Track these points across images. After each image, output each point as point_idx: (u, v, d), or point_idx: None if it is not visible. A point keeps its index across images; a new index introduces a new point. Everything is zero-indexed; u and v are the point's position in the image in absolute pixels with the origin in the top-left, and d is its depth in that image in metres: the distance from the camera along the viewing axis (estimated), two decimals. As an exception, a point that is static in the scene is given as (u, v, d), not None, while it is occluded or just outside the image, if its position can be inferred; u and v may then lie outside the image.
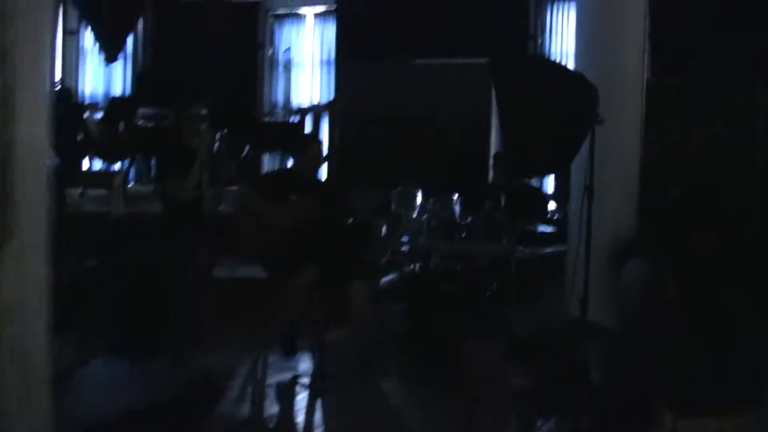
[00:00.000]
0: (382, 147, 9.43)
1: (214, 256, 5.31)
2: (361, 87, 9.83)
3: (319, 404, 5.17)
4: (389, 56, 9.89)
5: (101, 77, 11.70)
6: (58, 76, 11.03)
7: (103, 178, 7.81)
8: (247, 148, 9.79)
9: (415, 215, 7.05)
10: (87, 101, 11.28)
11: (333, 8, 11.27)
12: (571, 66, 6.65)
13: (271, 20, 11.91)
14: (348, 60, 10.64)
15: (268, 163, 11.35)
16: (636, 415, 2.83)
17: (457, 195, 7.11)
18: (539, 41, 10.29)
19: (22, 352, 2.81)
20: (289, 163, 6.25)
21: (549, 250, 6.60)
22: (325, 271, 5.41)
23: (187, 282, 4.96)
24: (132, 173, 10.68)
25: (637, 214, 6.11)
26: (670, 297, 2.92)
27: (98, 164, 9.88)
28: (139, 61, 11.79)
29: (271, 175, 6.49)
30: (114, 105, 8.79)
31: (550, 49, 10.14)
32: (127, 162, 9.54)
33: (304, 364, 5.80)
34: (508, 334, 5.72)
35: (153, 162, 8.96)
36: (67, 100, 7.89)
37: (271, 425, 4.85)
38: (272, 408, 5.06)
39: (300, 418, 4.99)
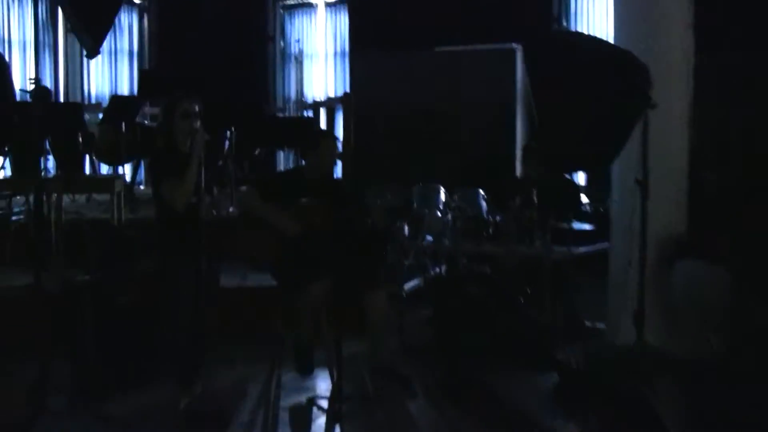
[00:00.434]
0: (401, 141, 8.96)
1: (216, 268, 4.77)
2: (378, 78, 9.33)
3: (338, 430, 4.63)
4: (406, 45, 9.38)
5: (107, 76, 11.28)
6: (62, 75, 10.69)
7: (105, 182, 7.31)
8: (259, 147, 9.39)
9: (438, 214, 6.52)
10: (93, 101, 10.83)
11: (345, -3, 10.81)
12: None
13: (281, 11, 11.44)
14: (362, 50, 10.16)
15: (284, 161, 10.94)
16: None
17: (482, 191, 6.64)
18: (564, 23, 9.78)
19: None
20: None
21: (586, 249, 6.03)
22: (341, 281, 4.89)
23: (187, 298, 4.43)
24: (142, 176, 10.28)
25: (686, 208, 5.50)
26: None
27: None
28: (146, 57, 11.35)
29: (279, 175, 5.95)
30: (115, 104, 8.29)
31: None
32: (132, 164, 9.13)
33: (322, 384, 5.27)
34: (552, 360, 5.12)
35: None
36: (43, 100, 7.40)
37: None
38: (286, 435, 4.57)
39: (317, 446, 4.50)
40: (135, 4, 11.48)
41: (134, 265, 5.21)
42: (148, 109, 9.69)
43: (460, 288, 5.85)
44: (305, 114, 10.51)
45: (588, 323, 6.06)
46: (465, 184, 6.71)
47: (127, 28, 11.36)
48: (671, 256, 5.16)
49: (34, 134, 6.64)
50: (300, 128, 8.64)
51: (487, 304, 5.66)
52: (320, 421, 4.74)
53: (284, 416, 4.77)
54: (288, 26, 11.51)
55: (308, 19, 11.40)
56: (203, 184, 4.42)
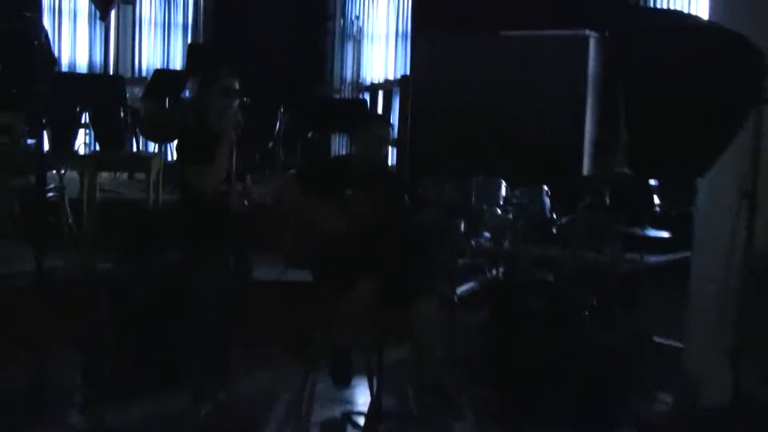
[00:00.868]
0: (460, 130, 8.32)
1: (246, 264, 4.27)
2: (439, 62, 8.75)
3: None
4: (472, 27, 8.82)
5: (159, 51, 10.92)
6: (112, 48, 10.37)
7: (141, 160, 6.90)
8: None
9: (499, 211, 5.98)
10: (144, 76, 10.47)
11: (409, -26, 10.22)
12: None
13: (342, -13, 10.96)
14: (425, 31, 9.53)
15: (338, 147, 10.47)
16: None
17: (547, 187, 6.07)
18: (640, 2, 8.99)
19: None
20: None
21: (661, 259, 5.43)
22: (388, 284, 4.35)
23: (209, 297, 3.96)
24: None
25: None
26: None
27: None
28: (200, 31, 10.97)
29: (323, 164, 5.42)
30: (159, 79, 7.88)
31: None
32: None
33: (360, 396, 4.78)
34: (629, 414, 4.51)
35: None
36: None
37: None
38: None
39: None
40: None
41: (161, 256, 4.73)
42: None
43: (519, 296, 5.29)
44: (361, 97, 10.01)
45: (660, 339, 5.48)
46: (527, 180, 6.15)
47: (182, 1, 10.97)
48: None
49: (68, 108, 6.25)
50: (351, 111, 8.14)
51: (547, 317, 5.09)
52: (355, 439, 4.26)
53: (315, 432, 4.29)
54: (348, 4, 11.00)
55: (370, -1, 10.87)
56: (235, 171, 3.93)
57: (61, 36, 10.07)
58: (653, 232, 5.48)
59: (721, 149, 3.40)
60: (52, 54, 8.38)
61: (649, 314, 5.46)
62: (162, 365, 4.47)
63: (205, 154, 4.00)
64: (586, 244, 5.27)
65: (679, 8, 8.70)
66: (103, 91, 7.13)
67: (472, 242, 5.87)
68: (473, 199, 6.11)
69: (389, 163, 8.10)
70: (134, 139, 8.67)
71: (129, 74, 10.36)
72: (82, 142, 6.96)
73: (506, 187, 6.18)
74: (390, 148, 7.83)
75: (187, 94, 8.62)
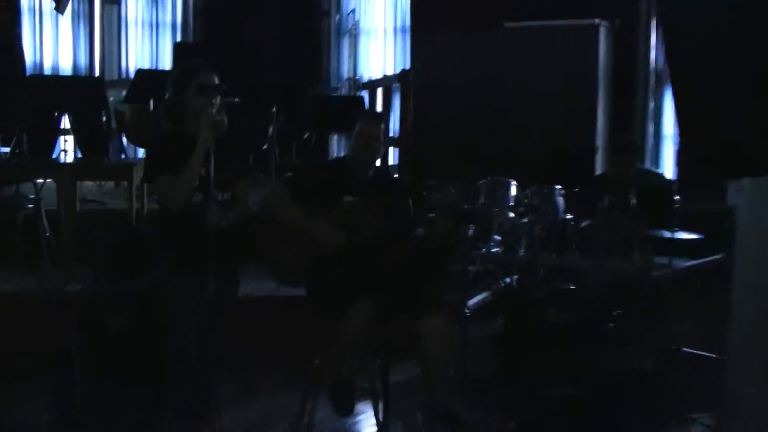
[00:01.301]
0: (466, 128, 7.95)
1: (230, 284, 3.79)
2: (441, 56, 8.39)
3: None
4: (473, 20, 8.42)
5: (147, 51, 10.46)
6: (97, 50, 9.93)
7: (120, 169, 6.42)
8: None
9: (510, 214, 5.51)
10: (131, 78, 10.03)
11: (407, -34, 9.83)
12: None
13: (337, -18, 10.53)
14: (424, 24, 9.22)
15: (337, 148, 10.04)
16: None
17: (560, 187, 5.61)
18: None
19: None
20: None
21: (694, 264, 4.97)
22: (392, 302, 3.88)
23: (185, 322, 3.49)
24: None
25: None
26: None
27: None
28: (190, 31, 10.51)
29: (317, 167, 4.91)
30: (141, 80, 7.40)
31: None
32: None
33: (363, 424, 4.34)
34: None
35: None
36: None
37: None
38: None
39: None
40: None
41: (140, 276, 4.24)
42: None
43: (537, 308, 4.82)
44: (359, 95, 9.57)
45: (692, 351, 5.04)
46: (537, 180, 5.75)
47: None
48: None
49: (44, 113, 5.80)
50: (349, 110, 7.69)
51: (569, 332, 4.62)
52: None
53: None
54: (344, 0, 10.58)
55: (366, -8, 10.44)
56: (212, 179, 3.45)
57: (43, 37, 9.63)
58: (683, 235, 5.01)
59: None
60: (21, 55, 7.94)
61: (680, 324, 5.03)
62: (136, 400, 3.98)
63: (176, 161, 3.52)
64: (611, 250, 4.79)
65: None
66: (82, 94, 6.64)
67: (483, 248, 5.40)
68: (481, 201, 5.68)
69: (390, 164, 7.69)
70: (121, 145, 8.24)
71: (115, 76, 9.97)
72: (62, 149, 6.44)
73: (517, 187, 5.72)
74: (388, 147, 7.41)
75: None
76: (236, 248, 3.76)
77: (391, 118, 8.28)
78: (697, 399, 4.51)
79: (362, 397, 4.23)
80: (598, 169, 7.50)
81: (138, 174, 5.91)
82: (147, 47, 10.43)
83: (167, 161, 3.54)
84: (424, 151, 7.66)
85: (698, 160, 3.69)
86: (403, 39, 10.02)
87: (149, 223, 5.83)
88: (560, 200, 5.60)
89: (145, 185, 6.18)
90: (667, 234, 5.00)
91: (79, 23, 9.84)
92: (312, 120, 8.19)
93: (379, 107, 8.70)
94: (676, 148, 8.17)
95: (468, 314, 5.10)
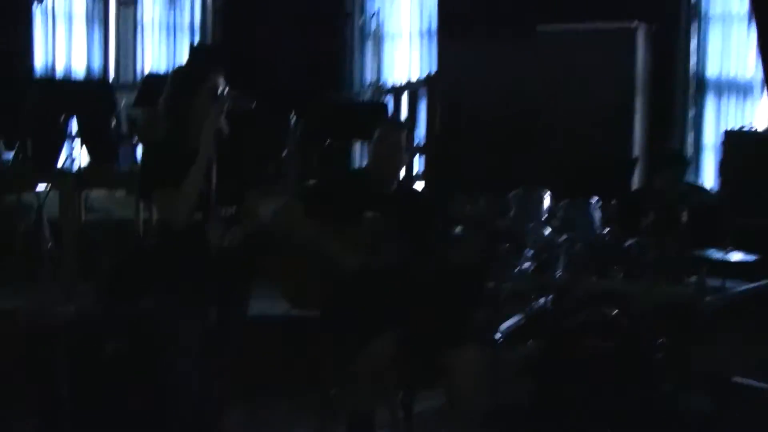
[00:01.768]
0: (495, 136, 7.67)
1: (235, 311, 3.41)
2: (469, 60, 8.12)
3: None
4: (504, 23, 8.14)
5: (164, 54, 10.23)
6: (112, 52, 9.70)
7: (125, 176, 6.14)
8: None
9: (547, 230, 5.14)
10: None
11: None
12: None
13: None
14: (452, 28, 8.88)
15: (360, 157, 9.76)
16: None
17: (597, 199, 5.27)
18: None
19: None
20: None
21: (748, 288, 4.58)
22: (416, 331, 3.53)
23: (187, 351, 3.13)
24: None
25: None
26: None
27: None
28: (208, 32, 10.30)
29: (335, 180, 4.50)
30: (150, 84, 7.13)
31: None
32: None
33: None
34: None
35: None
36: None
37: None
38: None
39: None
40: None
41: (140, 296, 3.88)
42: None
43: (576, 335, 4.43)
44: (383, 100, 9.29)
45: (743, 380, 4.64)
46: (569, 192, 5.45)
47: (188, 1, 10.27)
48: None
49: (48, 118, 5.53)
50: (372, 117, 7.42)
51: (613, 362, 4.22)
52: None
53: None
54: (368, 2, 10.31)
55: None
56: (214, 192, 3.08)
57: (56, 39, 9.44)
58: (737, 255, 4.62)
59: None
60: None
61: (734, 352, 4.65)
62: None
63: (176, 173, 3.14)
64: (661, 272, 4.40)
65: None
66: (90, 97, 6.38)
67: (516, 267, 5.02)
68: (512, 215, 5.32)
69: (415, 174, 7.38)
70: (133, 152, 7.96)
71: (130, 80, 9.73)
72: (69, 156, 6.16)
73: (551, 200, 5.37)
74: (412, 156, 7.08)
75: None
76: (243, 269, 3.38)
77: (417, 126, 8.01)
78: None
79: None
80: (635, 181, 7.15)
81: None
82: (163, 50, 10.23)
83: (166, 172, 3.17)
84: (451, 159, 7.37)
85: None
86: (429, 43, 9.71)
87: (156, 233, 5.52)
88: (597, 214, 5.26)
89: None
90: (720, 254, 4.64)
91: (93, 25, 9.64)
92: (334, 127, 7.89)
93: (403, 113, 8.43)
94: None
95: (500, 339, 4.74)
